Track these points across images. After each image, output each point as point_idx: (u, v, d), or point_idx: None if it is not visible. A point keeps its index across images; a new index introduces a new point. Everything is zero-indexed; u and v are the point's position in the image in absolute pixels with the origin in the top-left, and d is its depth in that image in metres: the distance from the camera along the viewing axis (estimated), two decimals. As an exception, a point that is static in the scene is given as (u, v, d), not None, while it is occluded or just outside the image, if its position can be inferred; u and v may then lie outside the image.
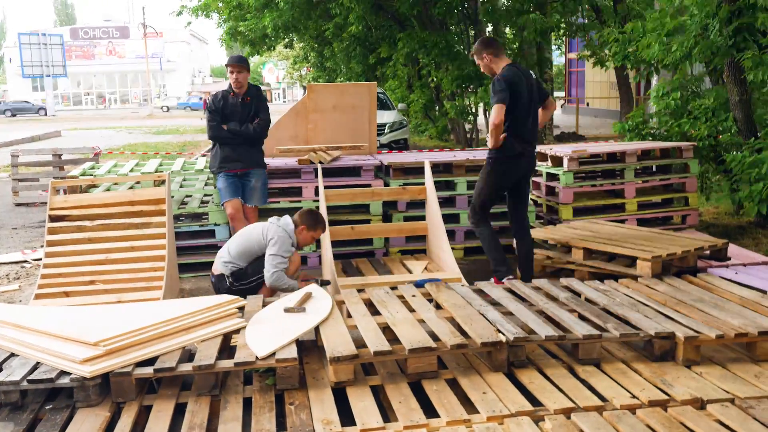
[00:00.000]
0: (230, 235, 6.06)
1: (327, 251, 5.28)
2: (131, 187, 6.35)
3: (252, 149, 5.77)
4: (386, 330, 3.69)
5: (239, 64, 5.70)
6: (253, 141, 5.76)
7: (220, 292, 4.78)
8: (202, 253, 6.14)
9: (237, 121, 5.68)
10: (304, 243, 4.99)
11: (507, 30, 16.76)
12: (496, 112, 4.74)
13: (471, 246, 6.15)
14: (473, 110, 15.13)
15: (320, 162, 6.23)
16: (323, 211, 5.47)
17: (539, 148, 7.20)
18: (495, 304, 4.17)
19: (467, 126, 15.72)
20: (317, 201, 6.02)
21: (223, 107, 5.70)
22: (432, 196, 5.71)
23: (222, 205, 5.81)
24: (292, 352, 3.35)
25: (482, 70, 5.14)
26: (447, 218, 6.11)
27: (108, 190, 6.21)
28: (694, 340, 3.48)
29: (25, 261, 6.58)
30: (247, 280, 4.80)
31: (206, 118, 5.88)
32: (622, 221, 6.29)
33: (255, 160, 5.83)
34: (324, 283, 4.82)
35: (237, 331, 3.79)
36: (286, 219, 4.90)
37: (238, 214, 5.67)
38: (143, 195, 5.60)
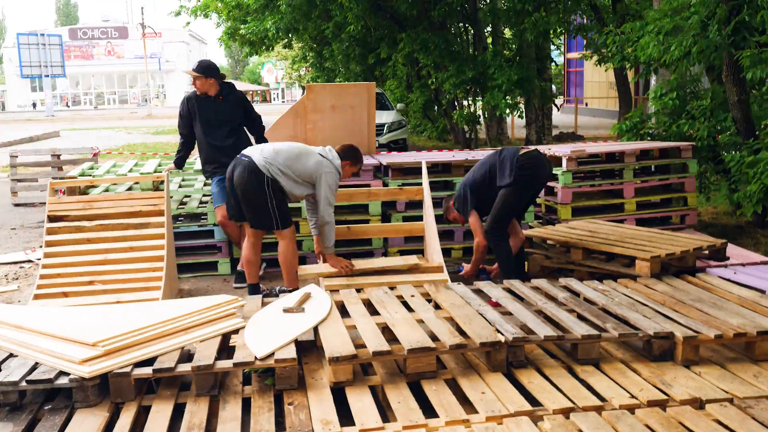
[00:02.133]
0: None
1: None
2: (130, 188, 6.35)
3: (229, 153, 5.41)
4: (385, 330, 3.69)
5: (198, 72, 5.52)
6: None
7: (250, 183, 4.82)
8: (201, 253, 6.14)
9: (215, 120, 5.57)
10: (345, 176, 5.18)
11: (506, 30, 16.78)
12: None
13: (470, 246, 6.14)
14: (480, 115, 15.12)
15: None
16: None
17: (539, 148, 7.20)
18: (497, 306, 4.17)
19: (466, 126, 15.73)
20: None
21: (199, 108, 5.58)
22: (427, 197, 5.72)
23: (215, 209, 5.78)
24: (291, 353, 3.35)
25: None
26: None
27: (107, 190, 6.21)
28: (693, 340, 3.48)
29: (29, 261, 6.57)
30: (279, 208, 4.88)
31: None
32: (621, 221, 6.29)
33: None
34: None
35: (236, 332, 3.79)
36: (335, 154, 5.03)
37: (226, 220, 5.50)
38: (142, 195, 5.60)
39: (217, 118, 5.60)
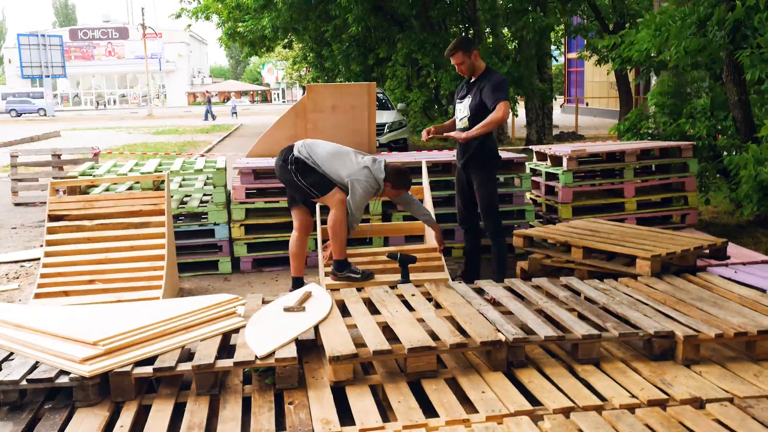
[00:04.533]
0: (230, 235, 6.08)
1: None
2: (130, 187, 6.35)
3: None
4: (385, 329, 3.69)
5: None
6: None
7: (281, 165, 4.85)
8: (202, 252, 6.14)
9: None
10: (384, 196, 5.08)
11: (505, 30, 16.78)
12: (507, 108, 4.96)
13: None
14: None
15: None
16: (318, 212, 5.49)
17: (539, 148, 7.21)
18: (495, 303, 4.17)
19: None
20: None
21: None
22: (427, 196, 5.72)
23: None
24: (292, 352, 3.35)
25: (461, 67, 5.12)
26: (447, 217, 6.12)
27: (107, 190, 6.21)
28: (694, 339, 3.48)
29: (36, 258, 6.55)
30: (307, 180, 4.78)
31: None
32: (622, 220, 6.29)
33: None
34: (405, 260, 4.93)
35: (236, 331, 3.79)
36: (381, 167, 4.88)
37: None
38: (143, 195, 5.60)
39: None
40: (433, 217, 5.29)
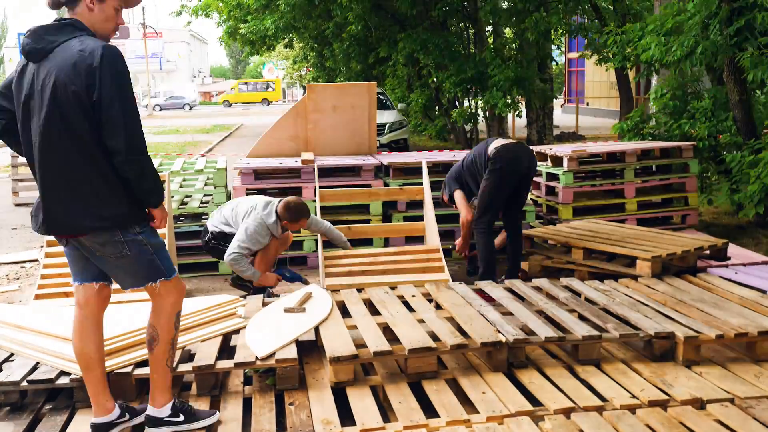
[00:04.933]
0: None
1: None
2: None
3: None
4: (386, 330, 3.69)
5: None
6: None
7: (203, 243, 5.14)
8: (202, 253, 6.12)
9: None
10: (290, 230, 5.13)
11: (507, 30, 16.76)
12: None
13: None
14: (478, 114, 15.11)
15: None
16: (318, 212, 5.49)
17: (539, 148, 7.21)
18: (495, 303, 4.17)
19: (467, 126, 15.73)
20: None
21: None
22: (428, 197, 5.72)
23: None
24: (292, 353, 3.35)
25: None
26: (447, 218, 6.11)
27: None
28: (694, 340, 3.47)
29: (36, 259, 6.56)
30: (225, 243, 4.91)
31: None
32: (622, 221, 6.29)
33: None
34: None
35: (237, 331, 3.79)
36: (271, 209, 4.90)
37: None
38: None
39: None
40: (346, 241, 5.39)
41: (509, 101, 12.58)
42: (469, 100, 15.16)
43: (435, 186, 6.17)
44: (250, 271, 4.79)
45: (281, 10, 16.58)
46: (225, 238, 4.92)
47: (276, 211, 4.90)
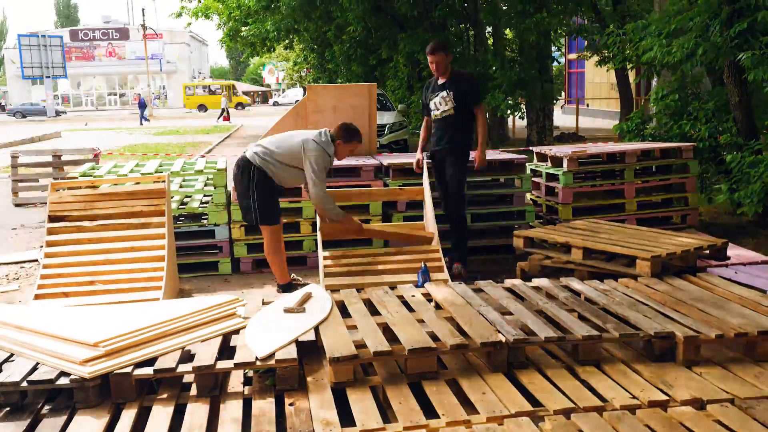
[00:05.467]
0: (230, 236, 6.09)
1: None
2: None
3: None
4: (386, 330, 3.68)
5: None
6: None
7: (235, 176, 5.06)
8: (202, 253, 6.14)
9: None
10: (342, 156, 5.22)
11: (507, 31, 16.77)
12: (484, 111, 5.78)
13: (470, 246, 6.14)
14: None
15: None
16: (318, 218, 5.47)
17: (539, 149, 7.21)
18: (495, 303, 4.17)
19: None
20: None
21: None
22: (428, 197, 5.72)
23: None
24: (292, 353, 3.35)
25: (438, 66, 5.55)
26: (447, 218, 6.10)
27: (108, 191, 6.20)
28: (694, 340, 3.47)
29: (36, 260, 6.56)
30: (262, 187, 4.97)
31: None
32: (622, 221, 6.29)
33: None
34: None
35: (237, 332, 3.79)
36: (326, 136, 5.07)
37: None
38: (143, 195, 5.60)
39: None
40: (317, 202, 5.23)
41: (511, 102, 12.59)
42: None
43: (435, 186, 6.16)
44: (337, 209, 5.01)
45: (282, 11, 16.61)
46: (267, 177, 4.98)
47: (331, 135, 5.08)
